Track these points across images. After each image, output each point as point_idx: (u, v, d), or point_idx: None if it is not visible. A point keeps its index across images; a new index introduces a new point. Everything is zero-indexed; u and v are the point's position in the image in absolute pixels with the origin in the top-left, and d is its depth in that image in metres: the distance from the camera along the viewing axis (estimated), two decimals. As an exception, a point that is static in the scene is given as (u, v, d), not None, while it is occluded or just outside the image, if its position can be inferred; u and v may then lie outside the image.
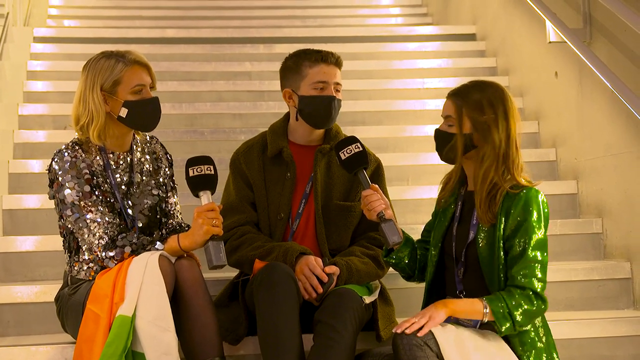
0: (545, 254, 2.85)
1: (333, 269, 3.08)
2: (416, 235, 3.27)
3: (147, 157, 3.24)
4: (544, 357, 2.87)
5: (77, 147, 3.09)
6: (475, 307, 2.79)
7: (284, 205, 3.26)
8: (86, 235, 2.99)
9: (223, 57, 6.19)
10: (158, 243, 2.98)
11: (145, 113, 3.11)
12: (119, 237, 2.99)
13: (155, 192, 3.21)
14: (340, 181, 3.30)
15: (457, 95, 2.95)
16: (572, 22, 4.39)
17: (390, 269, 3.31)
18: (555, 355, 2.91)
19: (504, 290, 2.82)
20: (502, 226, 2.85)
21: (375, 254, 3.23)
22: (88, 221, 2.99)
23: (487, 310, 2.78)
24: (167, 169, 3.29)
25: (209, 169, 2.98)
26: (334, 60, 3.29)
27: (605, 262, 4.01)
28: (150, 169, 3.23)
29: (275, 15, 7.51)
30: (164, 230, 3.22)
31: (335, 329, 2.88)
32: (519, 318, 2.78)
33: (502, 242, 2.85)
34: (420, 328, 2.72)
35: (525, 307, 2.79)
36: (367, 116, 5.44)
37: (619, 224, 4.04)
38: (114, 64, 3.08)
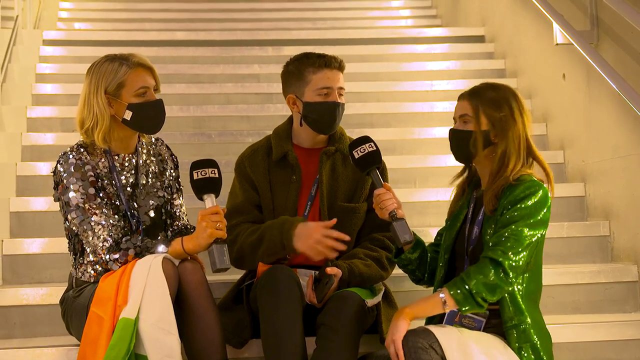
0: (536, 232, 2.83)
1: (335, 270, 3.07)
2: (424, 238, 3.26)
3: (153, 159, 3.25)
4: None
5: (82, 150, 3.10)
6: (433, 301, 2.80)
7: (290, 208, 3.26)
8: (90, 238, 3.00)
9: (232, 59, 6.20)
10: (162, 246, 2.98)
11: (149, 115, 3.12)
12: (123, 239, 3.00)
13: (160, 193, 3.21)
14: (345, 183, 3.30)
15: (473, 95, 2.99)
16: (579, 24, 4.38)
17: (395, 270, 3.31)
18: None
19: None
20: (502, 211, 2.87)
21: (378, 255, 3.22)
22: (92, 224, 3.00)
23: (444, 297, 2.78)
24: (172, 171, 3.29)
25: (213, 172, 2.98)
26: (337, 65, 3.28)
27: (612, 265, 3.99)
28: (156, 170, 3.24)
29: (285, 18, 7.52)
30: (169, 232, 3.23)
31: (337, 332, 2.88)
32: (474, 289, 2.76)
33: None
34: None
35: (480, 276, 2.78)
36: (375, 118, 5.43)
37: (626, 227, 4.02)
38: (118, 67, 3.09)
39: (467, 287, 2.77)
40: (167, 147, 3.34)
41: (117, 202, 3.09)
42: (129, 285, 2.86)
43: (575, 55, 4.43)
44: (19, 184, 4.44)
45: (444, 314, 2.93)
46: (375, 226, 3.28)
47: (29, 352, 3.18)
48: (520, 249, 2.80)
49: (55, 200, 3.11)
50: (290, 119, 3.41)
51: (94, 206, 3.01)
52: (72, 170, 3.04)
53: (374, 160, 3.09)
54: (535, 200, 2.85)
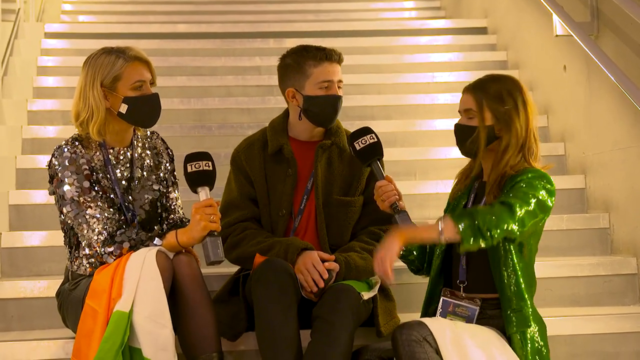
0: (542, 203, 2.82)
1: (332, 265, 3.07)
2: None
3: (148, 152, 3.25)
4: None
5: (77, 143, 3.10)
6: (430, 228, 2.77)
7: (286, 202, 3.26)
8: (85, 231, 3.00)
9: (233, 52, 6.19)
10: (156, 239, 2.98)
11: (145, 109, 3.11)
12: (117, 232, 3.00)
13: (155, 187, 3.21)
14: (341, 176, 3.29)
15: (476, 89, 2.97)
16: (580, 16, 4.35)
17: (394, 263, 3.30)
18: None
19: None
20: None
21: (375, 249, 3.20)
22: (87, 217, 3.00)
23: (442, 225, 2.74)
24: (167, 164, 3.29)
25: (207, 164, 2.98)
26: (336, 58, 3.28)
27: (611, 257, 3.97)
28: (151, 164, 3.24)
29: (288, 10, 7.49)
30: (164, 225, 3.23)
31: (333, 325, 2.88)
32: (480, 219, 2.72)
33: None
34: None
35: (486, 210, 2.76)
36: (376, 110, 5.42)
37: (625, 219, 4.01)
38: (114, 60, 3.08)
39: (472, 217, 2.73)
40: (163, 140, 3.33)
41: (112, 196, 3.09)
42: (123, 278, 2.87)
43: (576, 47, 4.41)
44: (18, 177, 4.44)
45: (436, 306, 2.94)
46: (372, 219, 3.28)
47: (25, 345, 3.18)
48: (529, 200, 2.78)
49: (50, 194, 3.11)
50: (286, 112, 3.40)
51: (89, 199, 3.01)
52: (67, 164, 3.04)
53: (375, 151, 3.09)
54: (543, 182, 2.85)
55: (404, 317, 3.19)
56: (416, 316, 3.06)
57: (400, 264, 3.25)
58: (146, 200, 3.16)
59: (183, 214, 3.31)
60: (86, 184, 3.03)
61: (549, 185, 2.85)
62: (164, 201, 3.25)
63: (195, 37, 6.41)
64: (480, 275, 2.94)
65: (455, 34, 6.55)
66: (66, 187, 3.02)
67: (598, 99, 4.28)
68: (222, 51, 6.19)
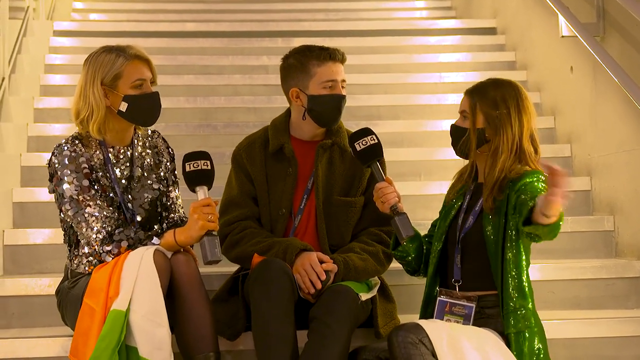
0: None
1: (330, 267, 3.07)
2: (424, 231, 3.25)
3: (149, 151, 3.25)
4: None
5: (77, 142, 3.11)
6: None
7: (286, 201, 3.25)
8: (84, 230, 3.01)
9: (241, 50, 6.19)
10: (155, 238, 2.99)
11: (145, 107, 3.12)
12: (116, 231, 3.00)
13: (155, 186, 3.21)
14: (342, 177, 3.28)
15: (473, 92, 3.02)
16: (586, 16, 4.32)
17: (394, 264, 3.29)
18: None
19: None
20: (509, 207, 2.85)
21: (375, 250, 3.20)
22: (86, 215, 3.00)
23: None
24: (168, 163, 3.29)
25: (205, 164, 2.98)
26: (340, 57, 3.28)
27: (615, 260, 3.95)
28: (152, 163, 3.24)
29: (297, 9, 7.47)
30: (164, 224, 3.23)
31: (329, 326, 2.87)
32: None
33: (509, 223, 2.86)
34: None
35: None
36: (383, 110, 5.40)
37: (630, 222, 3.98)
38: (115, 59, 3.09)
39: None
40: (164, 139, 3.34)
41: (112, 194, 3.09)
42: (120, 277, 2.87)
43: (582, 48, 4.38)
44: (23, 174, 4.45)
45: (434, 308, 2.95)
46: (372, 220, 3.27)
47: (25, 342, 3.20)
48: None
49: (50, 192, 3.12)
50: (288, 111, 3.39)
51: (88, 198, 3.02)
52: (67, 162, 3.04)
53: (375, 153, 3.08)
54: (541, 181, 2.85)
55: (404, 319, 3.17)
56: (417, 317, 3.05)
57: (399, 265, 3.24)
58: (146, 199, 3.16)
59: (183, 213, 3.31)
60: (85, 182, 3.03)
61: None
62: (164, 200, 3.25)
63: (203, 36, 6.41)
64: (475, 273, 2.95)
65: (464, 34, 6.53)
66: (65, 186, 3.02)
67: (604, 101, 4.25)
68: (230, 50, 6.19)
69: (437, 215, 3.24)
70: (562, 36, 4.39)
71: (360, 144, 3.08)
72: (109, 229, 3.00)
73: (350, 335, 2.93)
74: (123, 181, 3.14)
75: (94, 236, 2.99)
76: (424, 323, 2.77)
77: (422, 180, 4.70)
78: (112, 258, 2.97)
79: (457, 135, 3.04)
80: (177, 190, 3.30)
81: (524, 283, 2.88)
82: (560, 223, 2.69)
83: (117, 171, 3.13)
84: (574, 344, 3.39)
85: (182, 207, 3.31)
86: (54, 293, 3.28)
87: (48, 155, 4.39)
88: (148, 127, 3.28)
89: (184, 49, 6.18)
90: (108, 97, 3.08)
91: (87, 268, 3.06)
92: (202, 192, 2.96)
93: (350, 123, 4.89)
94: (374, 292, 3.15)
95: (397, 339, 2.71)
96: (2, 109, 4.74)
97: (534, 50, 5.49)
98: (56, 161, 3.06)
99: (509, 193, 2.87)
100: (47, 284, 3.54)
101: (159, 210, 3.22)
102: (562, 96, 4.90)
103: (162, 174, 3.25)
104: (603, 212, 4.24)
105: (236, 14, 7.27)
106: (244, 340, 3.19)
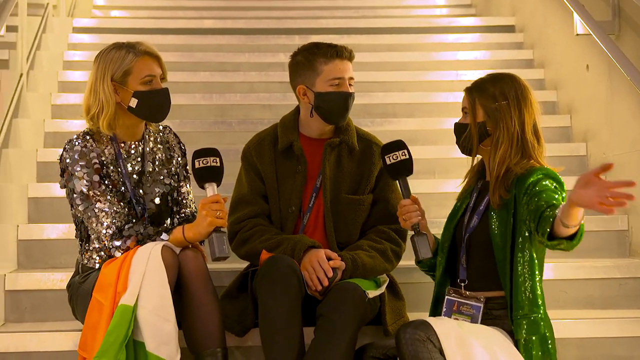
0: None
1: (337, 264, 3.07)
2: (437, 229, 3.23)
3: (160, 146, 3.27)
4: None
5: (87, 137, 3.13)
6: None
7: (295, 199, 3.26)
8: (94, 225, 3.03)
9: (258, 47, 6.20)
10: (163, 234, 3.00)
11: (154, 104, 3.13)
12: (125, 226, 3.02)
13: (167, 181, 3.23)
14: (350, 175, 3.28)
15: (473, 87, 3.00)
16: (602, 14, 4.29)
17: (403, 262, 3.29)
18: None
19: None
20: (518, 206, 2.83)
21: (383, 247, 3.20)
22: (96, 210, 3.02)
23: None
24: (179, 158, 3.30)
25: (214, 161, 3.00)
26: (347, 55, 3.27)
27: (628, 260, 3.92)
28: (163, 158, 3.25)
29: (316, 6, 7.47)
30: (175, 219, 3.25)
31: (335, 323, 2.87)
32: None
33: (518, 224, 2.83)
34: None
35: None
36: (399, 108, 5.39)
37: (643, 222, 3.96)
38: (125, 55, 3.11)
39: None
40: (175, 134, 3.35)
41: (123, 189, 3.11)
42: (129, 272, 2.89)
43: (597, 46, 4.35)
44: (39, 170, 4.48)
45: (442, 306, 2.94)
46: (381, 218, 3.27)
47: (36, 336, 3.23)
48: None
49: (61, 187, 3.14)
50: (297, 108, 3.40)
51: (98, 193, 3.04)
52: (77, 158, 3.06)
53: (405, 168, 3.07)
54: (552, 181, 2.82)
55: (413, 317, 3.16)
56: (426, 316, 3.04)
57: (410, 262, 3.23)
58: (157, 194, 3.18)
59: (195, 208, 3.32)
60: (96, 177, 3.05)
61: (555, 184, 2.83)
62: (175, 195, 3.26)
63: (220, 33, 6.42)
64: (480, 273, 2.94)
65: (482, 32, 6.50)
66: (76, 181, 3.05)
67: (619, 99, 4.22)
68: (246, 47, 6.20)
69: (451, 213, 3.24)
70: (577, 34, 4.35)
71: (391, 157, 3.07)
72: (119, 224, 3.02)
73: (356, 332, 2.94)
74: (134, 176, 3.16)
75: (104, 231, 3.01)
76: (432, 320, 2.76)
77: (436, 178, 4.68)
78: (122, 253, 2.99)
79: (460, 131, 3.02)
80: (188, 186, 3.31)
81: (537, 287, 2.85)
82: (582, 233, 2.66)
83: (128, 166, 3.15)
84: (586, 344, 3.37)
85: (194, 202, 3.32)
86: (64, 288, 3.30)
87: (64, 151, 4.50)
88: (159, 123, 3.30)
89: (201, 45, 6.20)
90: (118, 93, 3.10)
91: (97, 263, 3.08)
92: (211, 189, 2.98)
93: (365, 120, 4.91)
94: (382, 289, 3.15)
95: (405, 335, 2.70)
96: (20, 105, 4.77)
97: (551, 48, 5.47)
98: (67, 156, 3.09)
99: (516, 192, 2.85)
100: (59, 279, 3.57)
101: (170, 205, 3.24)
102: (578, 94, 4.87)
103: (173, 169, 3.26)
104: (617, 211, 4.19)
105: (254, 11, 7.28)
106: (253, 336, 3.20)
